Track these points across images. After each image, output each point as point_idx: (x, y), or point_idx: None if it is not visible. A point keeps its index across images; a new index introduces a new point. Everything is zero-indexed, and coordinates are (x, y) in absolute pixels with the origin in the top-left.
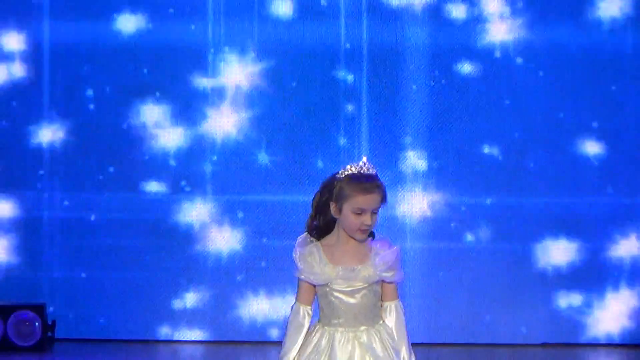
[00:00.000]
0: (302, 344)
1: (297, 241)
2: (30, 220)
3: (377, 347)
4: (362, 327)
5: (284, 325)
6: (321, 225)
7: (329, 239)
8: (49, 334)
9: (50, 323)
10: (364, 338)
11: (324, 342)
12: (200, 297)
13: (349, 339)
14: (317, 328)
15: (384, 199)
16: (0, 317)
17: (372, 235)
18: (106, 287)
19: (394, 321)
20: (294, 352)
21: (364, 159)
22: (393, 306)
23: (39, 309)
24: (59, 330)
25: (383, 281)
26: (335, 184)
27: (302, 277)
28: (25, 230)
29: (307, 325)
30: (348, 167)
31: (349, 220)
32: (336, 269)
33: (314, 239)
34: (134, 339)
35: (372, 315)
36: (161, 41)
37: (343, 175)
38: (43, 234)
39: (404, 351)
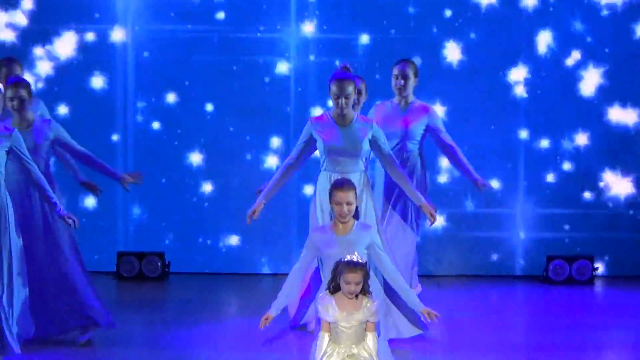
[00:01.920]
0: (324, 352)
1: (320, 296)
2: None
3: (363, 354)
4: (353, 345)
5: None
6: (334, 289)
7: (338, 294)
8: (166, 269)
9: (167, 262)
10: (355, 351)
11: (334, 356)
12: None
13: (345, 352)
14: (330, 345)
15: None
16: (138, 259)
17: (364, 293)
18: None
19: (372, 343)
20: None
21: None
22: (371, 335)
23: (161, 255)
24: (172, 266)
25: (367, 321)
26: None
27: (322, 318)
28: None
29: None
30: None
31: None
32: (342, 313)
33: (330, 294)
34: (226, 272)
35: (359, 338)
36: None
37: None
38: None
39: (375, 354)
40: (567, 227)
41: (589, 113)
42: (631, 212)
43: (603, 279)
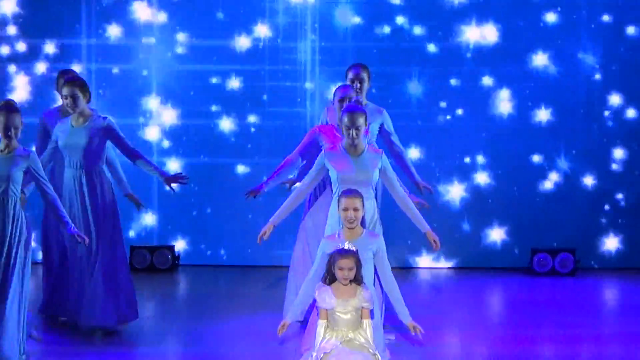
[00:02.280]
0: (323, 337)
1: (317, 285)
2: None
3: (360, 339)
4: (350, 331)
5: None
6: (330, 280)
7: (334, 284)
8: (176, 262)
9: (177, 255)
10: (351, 335)
11: (332, 339)
12: None
13: (342, 337)
14: (328, 331)
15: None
16: (149, 252)
17: (357, 282)
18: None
19: (367, 329)
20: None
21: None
22: (366, 321)
23: (170, 248)
24: (182, 259)
25: (362, 307)
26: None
27: (320, 306)
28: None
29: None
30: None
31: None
32: (338, 300)
33: (327, 284)
34: (231, 265)
35: (355, 325)
36: None
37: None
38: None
39: (372, 339)
40: (550, 221)
41: None
42: (607, 207)
43: (584, 270)
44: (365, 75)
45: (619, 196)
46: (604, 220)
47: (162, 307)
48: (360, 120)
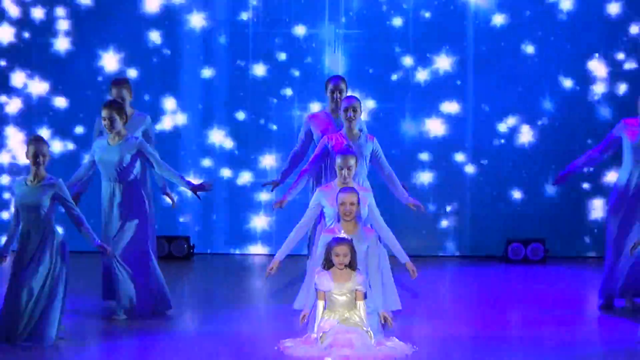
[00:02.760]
0: (322, 318)
1: (317, 270)
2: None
3: (354, 318)
4: (346, 311)
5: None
6: (327, 266)
7: (332, 269)
8: (191, 250)
9: (192, 244)
10: (347, 315)
11: (330, 319)
12: None
13: (339, 317)
14: (326, 313)
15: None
16: (166, 242)
17: (352, 267)
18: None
19: (361, 310)
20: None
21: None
22: (361, 303)
23: (187, 238)
24: (197, 248)
25: (356, 290)
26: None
27: (319, 289)
28: None
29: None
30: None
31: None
32: (335, 283)
33: (325, 270)
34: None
35: (350, 306)
36: None
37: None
38: None
39: (365, 319)
40: (523, 213)
41: None
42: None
43: (553, 258)
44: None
45: (585, 185)
46: (570, 212)
47: (180, 293)
48: (352, 162)
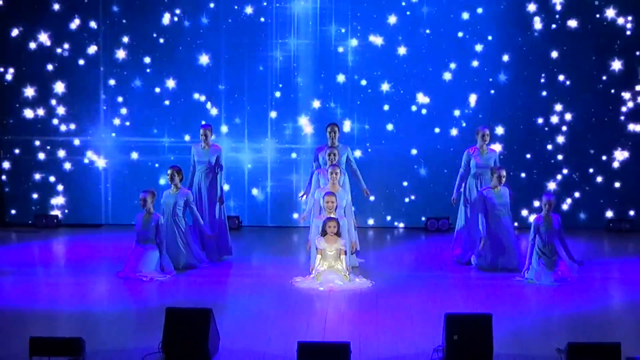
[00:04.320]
0: (318, 264)
1: (317, 237)
2: None
3: (338, 266)
4: (333, 261)
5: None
6: (323, 234)
7: (326, 236)
8: (241, 224)
9: (240, 220)
10: (334, 264)
11: (323, 266)
12: None
13: (329, 264)
14: (320, 262)
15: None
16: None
17: (338, 235)
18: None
19: (343, 261)
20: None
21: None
22: (343, 257)
23: (237, 217)
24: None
25: (340, 249)
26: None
27: (318, 247)
28: None
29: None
30: None
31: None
32: (327, 244)
33: (322, 237)
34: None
35: (336, 259)
36: None
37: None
38: None
39: (345, 266)
40: (442, 195)
41: None
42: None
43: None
44: (337, 129)
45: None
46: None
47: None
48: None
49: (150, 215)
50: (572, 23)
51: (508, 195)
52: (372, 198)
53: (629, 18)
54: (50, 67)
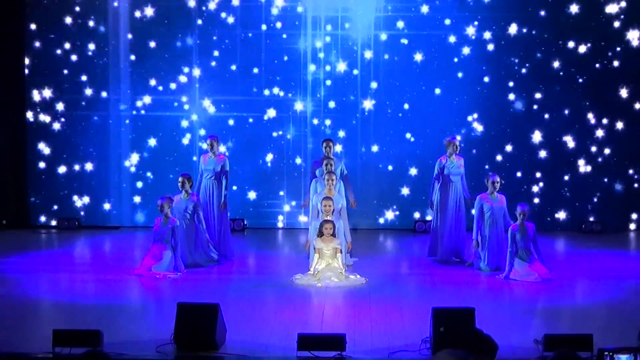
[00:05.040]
0: (317, 262)
1: (313, 239)
2: None
3: (334, 264)
4: (330, 260)
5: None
6: (320, 235)
7: (323, 237)
8: (246, 226)
9: (245, 223)
10: (330, 261)
11: (321, 264)
12: None
13: (326, 262)
14: (317, 260)
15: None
16: (231, 220)
17: (334, 235)
18: None
19: (339, 260)
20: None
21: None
22: (339, 255)
23: (242, 219)
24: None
25: (336, 248)
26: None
27: (316, 247)
28: None
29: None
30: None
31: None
32: (324, 244)
33: (319, 237)
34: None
35: (333, 257)
36: None
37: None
38: None
39: (341, 264)
40: (424, 202)
41: None
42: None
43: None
44: (332, 144)
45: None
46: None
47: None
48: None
49: (167, 219)
50: None
51: (504, 201)
52: (355, 207)
53: None
54: (84, 77)
